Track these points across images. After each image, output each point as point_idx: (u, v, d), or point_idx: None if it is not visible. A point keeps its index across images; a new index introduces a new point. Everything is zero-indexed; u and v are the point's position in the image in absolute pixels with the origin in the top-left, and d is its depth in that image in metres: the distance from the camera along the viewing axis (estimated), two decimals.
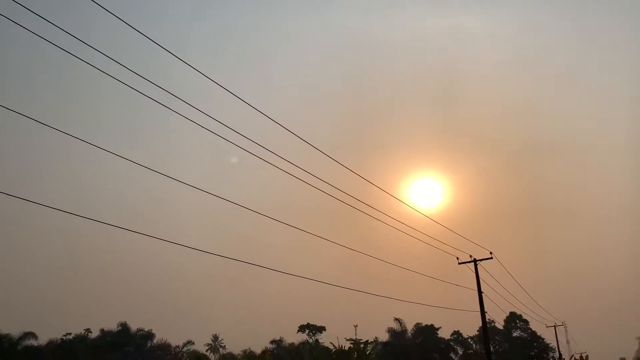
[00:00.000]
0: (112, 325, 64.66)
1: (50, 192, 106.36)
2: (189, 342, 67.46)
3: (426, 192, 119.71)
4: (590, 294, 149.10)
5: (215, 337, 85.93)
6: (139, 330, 65.11)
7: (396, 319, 69.88)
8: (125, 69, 11.71)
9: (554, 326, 61.80)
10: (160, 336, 67.86)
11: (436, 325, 68.17)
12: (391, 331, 69.46)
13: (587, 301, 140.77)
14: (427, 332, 67.27)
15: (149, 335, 65.75)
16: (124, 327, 64.47)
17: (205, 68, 13.91)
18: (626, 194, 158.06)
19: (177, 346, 67.64)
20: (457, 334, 71.17)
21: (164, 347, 67.07)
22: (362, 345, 63.28)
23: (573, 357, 71.81)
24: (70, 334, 60.37)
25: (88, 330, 61.00)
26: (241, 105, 14.86)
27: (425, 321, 68.53)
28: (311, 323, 70.96)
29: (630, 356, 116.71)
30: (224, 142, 14.79)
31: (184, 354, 67.16)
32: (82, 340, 60.18)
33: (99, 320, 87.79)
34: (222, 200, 16.24)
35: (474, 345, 70.00)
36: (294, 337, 69.23)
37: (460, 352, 70.99)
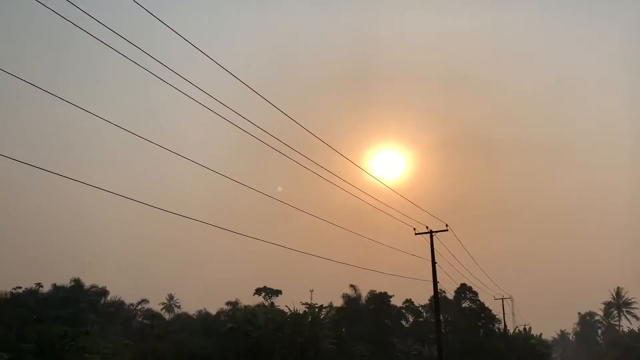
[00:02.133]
0: (64, 281, 63.74)
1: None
2: (144, 301, 67.22)
3: (389, 163, 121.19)
4: (536, 270, 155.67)
5: (171, 297, 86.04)
6: (93, 286, 64.32)
7: (351, 286, 71.30)
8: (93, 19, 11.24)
9: (502, 299, 64.45)
10: (114, 293, 67.41)
11: (389, 293, 69.92)
12: (346, 297, 70.85)
13: (532, 277, 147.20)
14: (380, 299, 68.92)
15: (103, 292, 65.07)
16: (77, 282, 63.51)
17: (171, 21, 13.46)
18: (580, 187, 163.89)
19: (132, 304, 67.34)
20: (409, 302, 73.21)
21: (118, 305, 66.61)
22: (316, 310, 64.48)
23: (517, 328, 75.27)
24: (20, 287, 59.13)
25: (39, 285, 59.74)
26: (206, 64, 14.53)
27: (379, 289, 70.21)
28: (268, 286, 71.59)
29: (570, 328, 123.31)
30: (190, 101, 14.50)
31: (138, 312, 66.95)
32: (32, 294, 59.01)
33: (50, 275, 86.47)
34: (183, 160, 16.01)
35: (425, 313, 72.28)
36: (250, 300, 69.81)
37: (411, 320, 73.22)
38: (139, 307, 67.01)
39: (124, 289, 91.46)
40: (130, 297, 71.09)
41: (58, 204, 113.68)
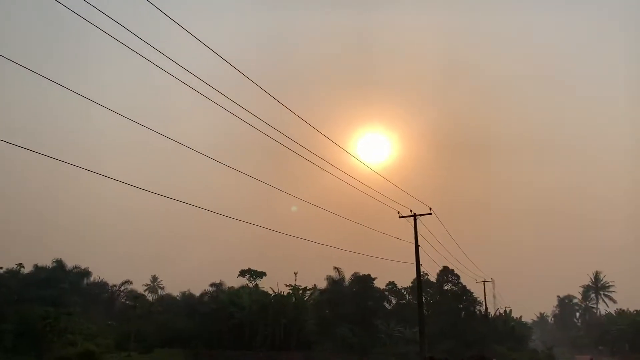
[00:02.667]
0: (46, 262, 63.18)
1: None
2: (127, 282, 66.97)
3: (375, 147, 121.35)
4: (517, 255, 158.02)
5: (154, 278, 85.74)
6: (75, 267, 63.87)
7: (335, 268, 71.65)
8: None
9: (483, 282, 65.30)
10: (97, 275, 67.03)
11: (373, 276, 70.42)
12: (330, 279, 71.21)
13: (514, 261, 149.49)
14: (363, 281, 69.37)
15: (85, 272, 64.64)
16: (59, 263, 62.99)
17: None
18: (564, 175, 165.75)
19: (115, 285, 67.04)
20: (392, 284, 73.87)
21: (101, 286, 66.30)
22: (300, 292, 64.84)
23: (497, 310, 76.49)
24: (1, 267, 58.52)
25: (20, 265, 59.20)
26: (189, 42, 14.25)
27: (363, 271, 70.67)
28: (252, 268, 71.72)
29: (549, 311, 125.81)
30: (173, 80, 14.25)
31: (121, 293, 66.71)
32: (13, 275, 58.43)
33: (32, 256, 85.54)
34: (167, 140, 15.78)
35: (407, 296, 73.04)
36: (235, 282, 69.92)
37: (394, 302, 73.97)
38: (122, 288, 66.81)
39: (107, 270, 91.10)
40: (113, 278, 70.88)
41: (40, 184, 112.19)
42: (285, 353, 48.29)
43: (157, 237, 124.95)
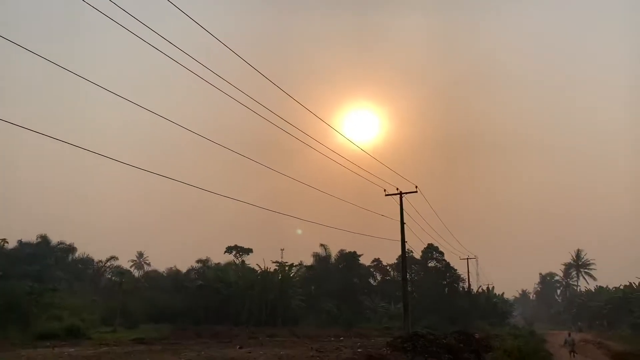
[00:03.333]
0: (30, 237, 62.71)
1: None
2: (113, 258, 66.78)
3: (362, 123, 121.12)
4: (501, 233, 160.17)
5: (140, 254, 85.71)
6: (60, 243, 63.49)
7: (321, 245, 72.24)
8: None
9: (467, 259, 66.27)
10: (82, 250, 66.76)
11: (359, 253, 71.14)
12: (316, 256, 71.83)
13: (498, 239, 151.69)
14: (349, 258, 70.05)
15: (70, 248, 64.32)
16: (44, 239, 62.57)
17: None
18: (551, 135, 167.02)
19: (100, 261, 66.86)
20: (377, 261, 74.74)
21: (86, 262, 66.09)
22: (287, 268, 65.31)
23: (480, 287, 77.84)
24: None
25: (4, 240, 58.74)
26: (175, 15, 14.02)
27: (349, 248, 71.37)
28: (239, 245, 71.93)
29: (531, 288, 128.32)
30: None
31: (107, 269, 66.61)
32: None
33: (16, 231, 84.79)
34: (153, 116, 15.61)
35: (392, 272, 74.01)
36: (221, 258, 70.14)
37: (379, 278, 74.93)
38: (108, 264, 66.63)
39: (93, 246, 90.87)
40: (98, 254, 70.60)
41: (24, 159, 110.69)
42: (271, 328, 48.80)
43: (143, 213, 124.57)
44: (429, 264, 69.79)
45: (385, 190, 35.67)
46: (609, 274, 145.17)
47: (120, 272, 58.43)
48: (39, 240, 62.23)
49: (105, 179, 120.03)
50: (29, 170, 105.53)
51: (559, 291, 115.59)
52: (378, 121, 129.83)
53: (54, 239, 63.48)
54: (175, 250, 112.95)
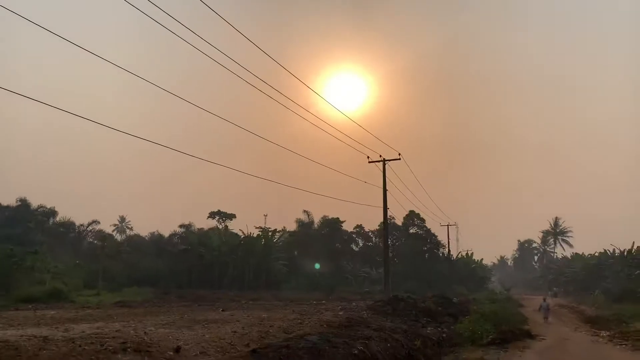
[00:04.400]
0: (10, 201, 61.99)
1: None
2: (94, 222, 66.46)
3: (348, 90, 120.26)
4: (481, 201, 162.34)
5: (122, 219, 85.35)
6: (40, 206, 62.89)
7: (305, 211, 72.70)
8: None
9: (447, 226, 67.32)
10: (63, 214, 66.26)
11: (341, 219, 71.76)
12: (299, 222, 72.34)
13: (478, 207, 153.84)
14: (332, 224, 70.67)
15: (52, 212, 63.78)
16: (24, 202, 61.92)
17: None
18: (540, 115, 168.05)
19: (82, 225, 66.49)
20: (359, 227, 75.50)
21: (68, 225, 65.65)
22: (270, 233, 65.74)
23: (460, 253, 79.33)
24: None
25: None
26: None
27: (332, 214, 71.95)
28: (222, 210, 72.00)
29: (509, 254, 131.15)
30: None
31: (89, 233, 66.33)
32: None
33: None
34: (136, 78, 15.34)
35: (374, 238, 74.90)
36: (204, 223, 70.28)
37: (361, 244, 75.86)
38: (89, 228, 66.33)
39: (74, 210, 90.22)
40: (80, 218, 70.21)
41: (3, 121, 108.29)
42: (254, 292, 49.39)
43: (126, 178, 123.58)
44: (410, 231, 70.74)
45: (368, 157, 35.85)
46: (585, 241, 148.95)
47: (103, 236, 58.33)
48: (19, 203, 61.57)
49: (87, 142, 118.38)
50: (6, 133, 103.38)
51: (536, 258, 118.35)
52: (364, 88, 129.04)
53: (34, 203, 62.93)
54: (157, 215, 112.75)
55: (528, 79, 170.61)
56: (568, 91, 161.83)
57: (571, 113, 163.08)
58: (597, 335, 22.08)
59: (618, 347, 18.39)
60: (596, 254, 68.48)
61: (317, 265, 60.97)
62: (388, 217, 39.52)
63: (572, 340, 20.07)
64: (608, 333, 22.52)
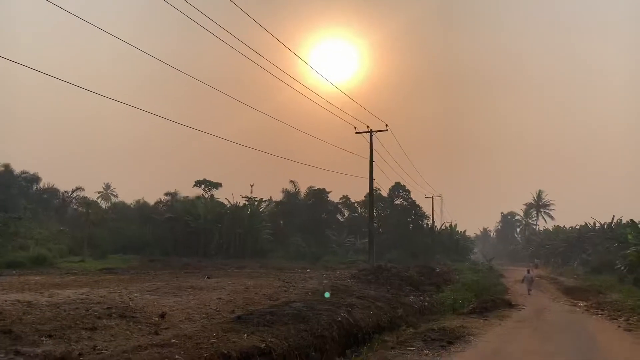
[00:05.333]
0: None
1: None
2: (79, 189, 65.81)
3: (336, 60, 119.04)
4: (466, 173, 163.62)
5: (107, 186, 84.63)
6: (23, 172, 62.07)
7: (291, 181, 72.74)
8: None
9: (432, 197, 67.91)
10: (47, 180, 65.53)
11: (327, 190, 71.98)
12: (285, 192, 72.42)
13: (463, 180, 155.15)
14: (318, 194, 70.87)
15: (35, 178, 62.98)
16: (7, 168, 60.99)
17: None
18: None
19: (66, 191, 65.86)
20: (345, 198, 75.84)
21: (51, 192, 64.98)
22: (256, 203, 65.79)
23: (444, 224, 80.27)
24: None
25: None
26: None
27: (318, 185, 72.11)
28: (207, 179, 71.65)
29: (492, 226, 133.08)
30: None
31: (73, 200, 65.78)
32: None
33: None
34: (125, 45, 15.01)
35: (360, 209, 75.37)
36: (190, 192, 69.96)
37: (347, 215, 76.34)
38: (74, 194, 65.70)
39: (58, 176, 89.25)
40: (64, 185, 69.44)
41: None
42: (239, 261, 49.67)
43: (110, 144, 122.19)
44: (395, 202, 71.21)
45: (355, 128, 35.77)
46: (567, 214, 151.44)
47: (87, 202, 57.82)
48: (2, 169, 60.66)
49: (70, 107, 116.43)
50: None
51: (518, 230, 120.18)
52: (354, 56, 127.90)
53: (17, 169, 62.09)
54: (143, 182, 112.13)
55: (524, 48, 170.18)
56: (559, 62, 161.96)
57: (562, 86, 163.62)
58: (574, 306, 22.66)
59: (594, 316, 18.91)
60: (577, 227, 69.69)
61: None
62: (374, 188, 39.70)
63: (551, 310, 20.58)
64: (585, 303, 23.13)
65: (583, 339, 13.47)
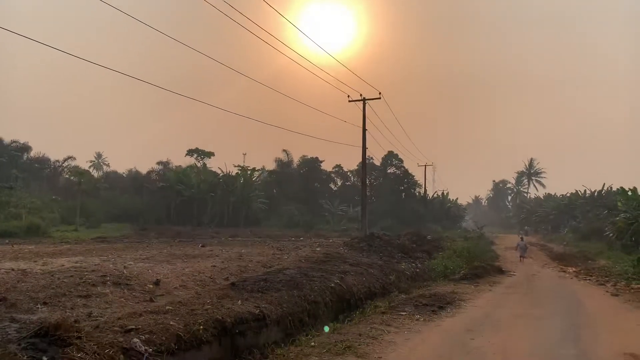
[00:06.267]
0: None
1: None
2: (70, 158, 65.40)
3: (330, 28, 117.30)
4: (459, 142, 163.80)
5: (99, 155, 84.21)
6: (13, 142, 61.46)
7: (284, 150, 72.61)
8: None
9: (425, 166, 68.03)
10: (37, 150, 65.03)
11: (320, 159, 71.97)
12: (278, 161, 72.37)
13: (456, 148, 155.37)
14: (311, 163, 70.87)
15: (25, 147, 62.43)
16: None
17: None
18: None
19: (57, 161, 65.44)
20: (338, 167, 75.91)
21: (42, 161, 64.54)
22: (249, 172, 65.73)
23: (436, 192, 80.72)
24: None
25: None
26: None
27: (311, 154, 72.07)
28: (200, 148, 71.39)
29: (484, 194, 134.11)
30: None
31: (65, 169, 65.40)
32: None
33: None
34: (113, 11, 14.67)
35: (353, 178, 75.55)
36: (182, 161, 69.81)
37: (340, 183, 76.55)
38: (65, 164, 65.31)
39: (48, 145, 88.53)
40: (55, 154, 68.93)
41: None
42: (233, 229, 49.89)
43: (102, 113, 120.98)
44: (388, 171, 71.36)
45: (349, 96, 35.52)
46: (559, 182, 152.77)
47: (79, 172, 57.49)
48: None
49: (61, 76, 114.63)
50: None
51: (510, 197, 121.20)
52: (347, 27, 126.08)
53: (7, 138, 61.47)
54: (134, 151, 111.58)
55: (522, 15, 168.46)
56: (554, 26, 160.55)
57: (557, 54, 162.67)
58: (564, 272, 23.04)
59: (582, 282, 19.27)
60: (568, 195, 70.30)
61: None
62: (367, 157, 39.71)
63: (540, 276, 20.93)
64: (574, 269, 23.53)
65: (571, 303, 13.75)
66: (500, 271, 21.56)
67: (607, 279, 19.40)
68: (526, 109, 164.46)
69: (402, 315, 11.05)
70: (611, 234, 33.68)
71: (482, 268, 21.11)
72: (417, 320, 10.62)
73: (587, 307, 13.21)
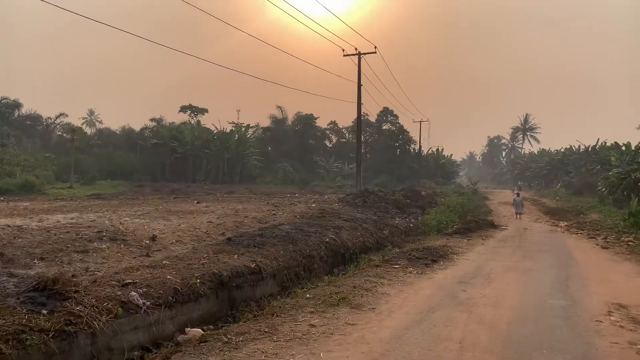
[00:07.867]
0: None
1: None
2: (62, 115, 64.65)
3: None
4: (455, 98, 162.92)
5: (91, 112, 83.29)
6: (3, 98, 60.56)
7: (278, 107, 72.03)
8: None
9: (420, 122, 67.72)
10: (28, 107, 64.21)
11: (315, 115, 71.53)
12: (273, 118, 71.87)
13: (451, 104, 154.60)
14: (306, 120, 70.46)
15: (16, 104, 61.55)
16: None
17: None
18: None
19: (49, 118, 64.73)
20: (333, 123, 75.55)
21: (34, 118, 63.83)
22: (243, 129, 65.38)
23: (430, 149, 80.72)
24: None
25: None
26: None
27: (306, 111, 71.56)
28: (193, 105, 70.67)
29: (479, 151, 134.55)
30: None
31: (57, 126, 64.77)
32: None
33: None
34: None
35: (348, 134, 75.29)
36: (175, 117, 69.27)
37: (334, 140, 76.38)
38: (57, 120, 64.61)
39: (40, 102, 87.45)
40: (47, 111, 68.11)
41: None
42: (228, 186, 50.00)
43: (93, 69, 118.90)
44: (383, 127, 71.09)
45: (343, 50, 34.99)
46: (554, 138, 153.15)
47: (72, 129, 56.97)
48: None
49: (50, 30, 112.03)
50: None
51: (504, 153, 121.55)
52: None
53: None
54: (127, 108, 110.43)
55: None
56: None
57: (551, 10, 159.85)
58: (555, 226, 23.34)
59: (574, 235, 19.55)
60: (562, 150, 70.43)
61: None
62: (362, 113, 39.45)
63: (532, 230, 21.20)
64: (566, 223, 23.83)
65: (561, 256, 13.98)
66: (493, 225, 21.80)
67: (598, 232, 19.68)
68: (522, 64, 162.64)
69: (395, 268, 11.23)
70: (603, 189, 33.92)
71: (475, 222, 21.34)
72: (410, 272, 10.80)
73: (577, 259, 13.45)
